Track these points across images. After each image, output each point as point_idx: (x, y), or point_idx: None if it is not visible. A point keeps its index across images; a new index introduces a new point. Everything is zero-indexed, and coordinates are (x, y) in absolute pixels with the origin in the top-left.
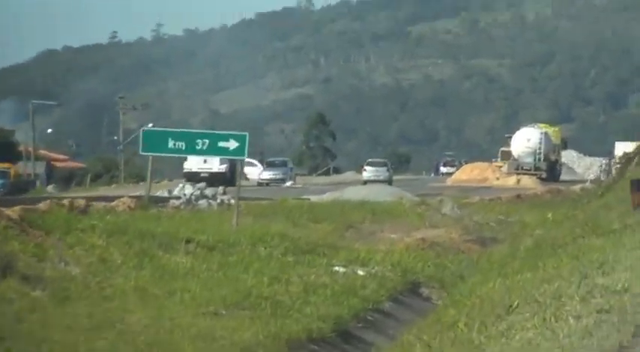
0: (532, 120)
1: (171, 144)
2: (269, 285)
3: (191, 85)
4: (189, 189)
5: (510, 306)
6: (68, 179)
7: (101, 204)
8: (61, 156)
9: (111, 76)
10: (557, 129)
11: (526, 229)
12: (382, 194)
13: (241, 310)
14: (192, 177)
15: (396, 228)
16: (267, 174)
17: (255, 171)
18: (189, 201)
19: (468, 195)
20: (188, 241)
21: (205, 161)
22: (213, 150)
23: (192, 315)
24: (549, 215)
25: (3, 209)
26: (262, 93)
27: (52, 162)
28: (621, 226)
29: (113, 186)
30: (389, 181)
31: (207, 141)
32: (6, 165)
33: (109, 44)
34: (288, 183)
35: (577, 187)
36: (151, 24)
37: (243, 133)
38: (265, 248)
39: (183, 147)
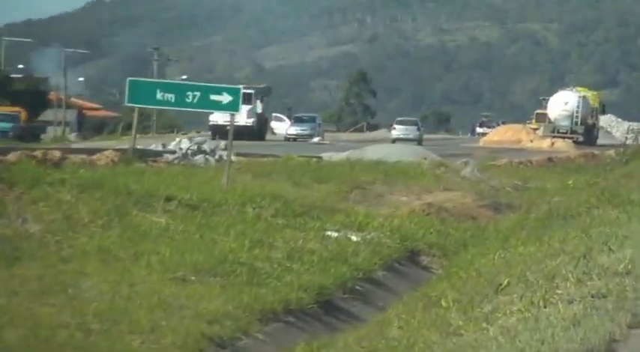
0: (578, 84)
1: (159, 95)
2: (249, 250)
3: (236, 40)
4: (185, 143)
5: (500, 285)
6: (99, 127)
7: (80, 157)
8: (94, 105)
9: (156, 28)
10: (595, 93)
11: (544, 196)
12: (404, 153)
13: (213, 277)
14: (219, 131)
15: (408, 190)
16: (295, 130)
17: (283, 127)
18: (185, 155)
19: (497, 157)
20: (169, 199)
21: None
22: (204, 104)
23: (157, 281)
24: (570, 181)
25: None
26: (307, 50)
27: (83, 111)
28: (638, 195)
29: (149, 135)
30: (419, 140)
31: (197, 93)
32: (16, 109)
33: None
34: (316, 139)
35: (612, 151)
36: None
37: (237, 87)
38: (254, 209)
39: (173, 100)
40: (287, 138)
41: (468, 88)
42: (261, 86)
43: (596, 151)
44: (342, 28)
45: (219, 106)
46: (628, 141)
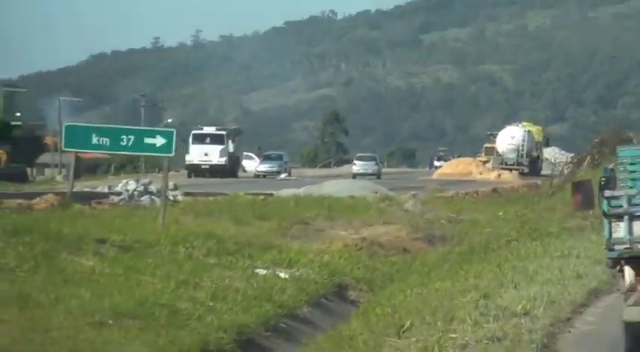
0: (531, 119)
1: (95, 140)
2: (173, 291)
3: (225, 86)
4: (132, 185)
5: (402, 326)
6: (93, 169)
7: (17, 202)
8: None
9: (154, 77)
10: (540, 127)
11: (476, 227)
12: (357, 188)
13: (132, 319)
14: (194, 169)
15: (349, 224)
16: (263, 167)
17: (252, 164)
18: (131, 196)
19: (445, 189)
20: (102, 241)
21: (206, 154)
22: (138, 147)
23: (74, 326)
24: (500, 213)
25: None
26: (289, 94)
27: (78, 154)
28: (558, 229)
29: (135, 175)
30: (377, 174)
31: (132, 137)
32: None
33: (153, 48)
34: (283, 176)
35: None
36: (190, 30)
37: (170, 130)
38: (186, 248)
39: (108, 144)
40: (257, 175)
41: (433, 124)
42: (232, 128)
43: (539, 181)
44: (320, 73)
45: (152, 149)
46: (554, 173)
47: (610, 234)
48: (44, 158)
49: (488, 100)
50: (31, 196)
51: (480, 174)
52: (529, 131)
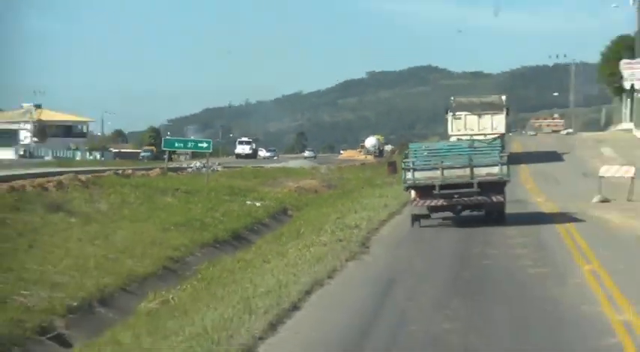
0: (380, 133)
1: (176, 144)
2: (204, 213)
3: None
4: (198, 164)
5: (300, 231)
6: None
7: (141, 173)
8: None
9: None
10: (382, 136)
11: (350, 181)
12: (304, 163)
13: (182, 226)
14: (239, 156)
15: (294, 180)
16: (241, 149)
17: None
18: (198, 168)
19: (344, 163)
20: (177, 189)
21: (243, 149)
22: (196, 146)
23: (155, 230)
24: (361, 174)
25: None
26: (283, 125)
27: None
28: (381, 182)
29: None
30: (315, 157)
31: (192, 143)
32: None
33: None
34: (262, 154)
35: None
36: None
37: (209, 139)
38: (215, 193)
39: (182, 145)
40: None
41: (344, 137)
42: (254, 138)
43: (381, 160)
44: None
45: (202, 148)
46: (386, 156)
47: (405, 177)
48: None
49: (365, 126)
50: (149, 169)
51: (359, 156)
52: (378, 138)
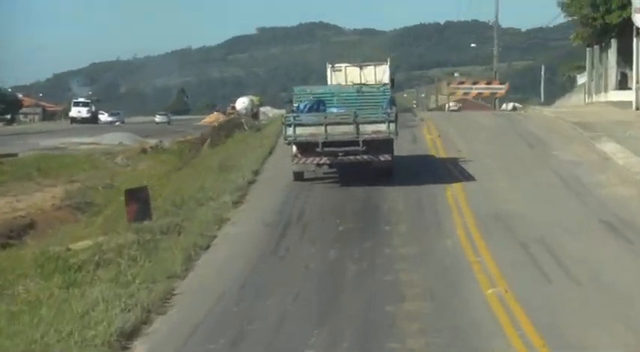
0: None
1: None
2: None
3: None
4: None
5: None
6: None
7: None
8: None
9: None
10: (257, 97)
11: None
12: (120, 138)
13: None
14: (74, 120)
15: (54, 180)
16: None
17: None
18: None
19: (196, 130)
20: None
21: (79, 111)
22: None
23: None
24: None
25: None
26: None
27: None
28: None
29: None
30: (169, 122)
31: None
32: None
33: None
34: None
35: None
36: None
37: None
38: None
39: None
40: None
41: (224, 96)
42: (95, 99)
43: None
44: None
45: None
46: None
47: (286, 132)
48: None
49: (255, 83)
50: None
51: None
52: (252, 99)
